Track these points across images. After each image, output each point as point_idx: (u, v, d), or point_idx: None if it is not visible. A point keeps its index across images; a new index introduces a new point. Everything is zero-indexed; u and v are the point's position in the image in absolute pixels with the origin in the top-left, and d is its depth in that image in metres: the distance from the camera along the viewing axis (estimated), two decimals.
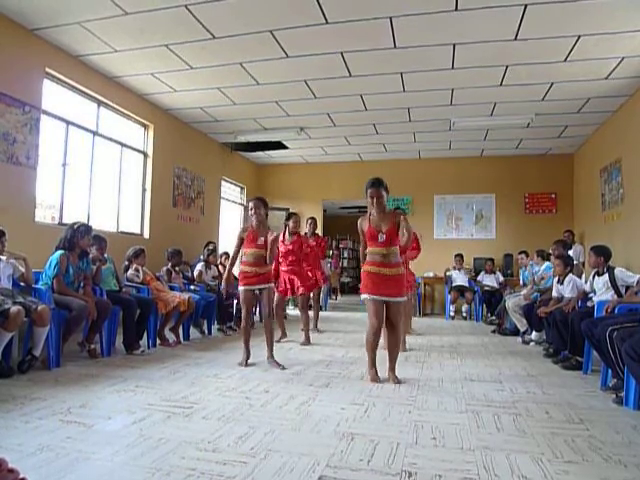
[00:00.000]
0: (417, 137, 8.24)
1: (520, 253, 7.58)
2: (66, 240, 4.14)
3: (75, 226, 4.21)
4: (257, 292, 4.16)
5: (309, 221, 6.23)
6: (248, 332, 4.17)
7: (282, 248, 5.50)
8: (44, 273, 4.06)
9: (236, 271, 4.52)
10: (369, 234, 3.60)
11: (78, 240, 4.17)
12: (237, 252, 4.22)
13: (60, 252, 4.07)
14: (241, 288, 4.11)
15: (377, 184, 3.59)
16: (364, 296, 3.58)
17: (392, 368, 3.62)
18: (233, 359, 4.24)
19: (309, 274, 5.67)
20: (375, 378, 3.59)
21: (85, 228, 4.26)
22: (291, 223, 5.55)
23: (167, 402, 2.90)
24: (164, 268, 5.75)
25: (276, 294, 5.57)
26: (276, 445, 2.23)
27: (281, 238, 5.56)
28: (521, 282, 7.30)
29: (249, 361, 4.11)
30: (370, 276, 3.57)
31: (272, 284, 4.27)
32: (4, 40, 4.50)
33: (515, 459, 2.10)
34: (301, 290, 5.44)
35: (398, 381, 3.54)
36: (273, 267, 4.72)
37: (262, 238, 4.08)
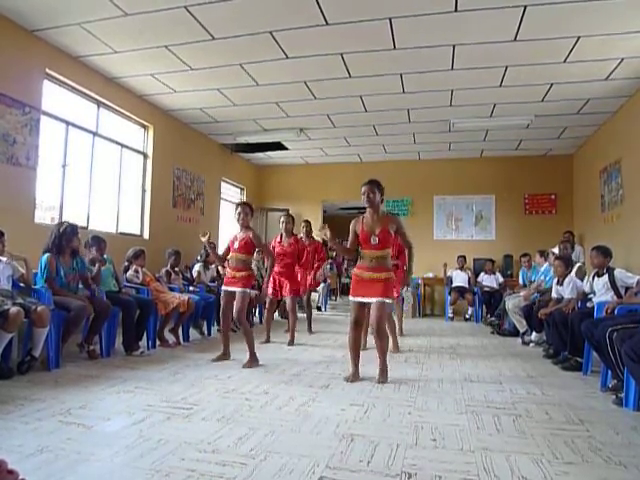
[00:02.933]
0: (417, 138, 8.24)
1: (523, 256, 7.46)
2: (53, 244, 4.08)
3: (61, 228, 4.15)
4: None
5: (303, 224, 6.22)
6: (226, 333, 4.29)
7: (278, 249, 5.50)
8: (37, 276, 4.04)
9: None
10: (362, 237, 3.63)
11: (67, 242, 4.13)
12: (225, 251, 4.42)
13: (47, 255, 4.02)
14: (222, 289, 4.32)
15: (371, 182, 3.67)
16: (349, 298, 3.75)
17: (380, 370, 3.64)
18: (233, 360, 4.24)
19: (297, 278, 5.63)
20: (348, 377, 3.60)
21: (72, 229, 4.20)
22: (280, 224, 5.56)
23: (167, 403, 2.89)
24: (163, 269, 5.75)
25: (268, 298, 5.54)
26: (276, 446, 2.23)
27: (278, 239, 5.58)
28: (520, 283, 7.29)
29: (224, 359, 4.22)
30: (355, 279, 3.70)
31: (246, 289, 4.18)
32: (4, 41, 4.50)
33: (515, 460, 2.10)
34: (288, 293, 5.43)
35: (380, 381, 3.55)
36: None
37: (237, 243, 4.23)
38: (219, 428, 2.46)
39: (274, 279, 5.47)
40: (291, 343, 5.26)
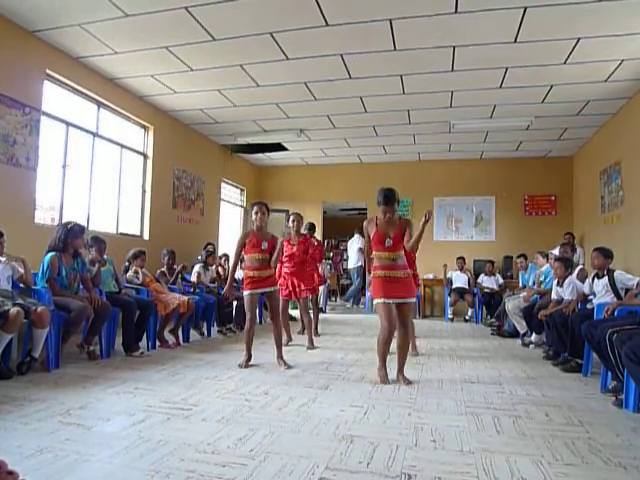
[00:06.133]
0: (417, 139, 8.25)
1: (519, 257, 7.59)
2: (60, 241, 4.06)
3: (69, 226, 4.14)
4: (265, 296, 4.21)
5: (307, 225, 6.22)
6: (251, 336, 4.14)
7: (287, 249, 5.46)
8: (38, 276, 4.03)
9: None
10: (376, 238, 3.63)
11: (72, 240, 4.10)
12: (238, 258, 4.26)
13: (51, 254, 4.00)
14: (247, 292, 4.09)
15: (388, 200, 3.56)
16: (376, 300, 3.61)
17: (401, 369, 3.64)
18: (233, 361, 4.23)
19: (313, 276, 5.60)
20: (384, 380, 3.59)
21: (79, 228, 4.20)
22: (290, 223, 5.49)
23: (166, 404, 2.89)
24: (159, 270, 5.71)
25: (280, 298, 5.54)
26: (275, 447, 2.23)
27: (287, 239, 5.55)
28: (520, 284, 7.30)
29: (249, 363, 4.11)
30: (380, 280, 3.62)
31: (277, 286, 4.28)
32: (5, 42, 4.51)
33: (515, 462, 2.10)
34: (304, 293, 5.36)
35: (408, 382, 3.56)
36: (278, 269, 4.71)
37: (265, 242, 4.11)
38: (219, 429, 2.46)
39: (285, 279, 5.40)
40: (311, 346, 5.15)
